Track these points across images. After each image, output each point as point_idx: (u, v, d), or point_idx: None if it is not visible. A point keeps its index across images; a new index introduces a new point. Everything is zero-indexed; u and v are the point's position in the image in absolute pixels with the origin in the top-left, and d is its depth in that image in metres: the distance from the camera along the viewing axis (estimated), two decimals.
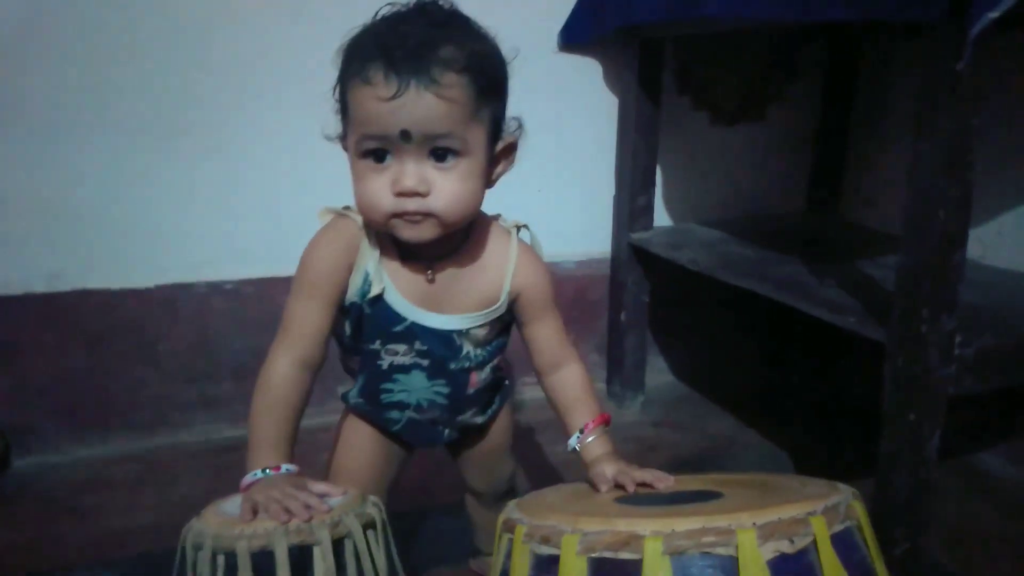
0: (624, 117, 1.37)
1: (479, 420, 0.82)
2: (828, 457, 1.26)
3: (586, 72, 1.40)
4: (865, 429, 0.98)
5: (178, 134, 1.21)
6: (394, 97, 0.59)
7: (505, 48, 0.68)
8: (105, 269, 1.22)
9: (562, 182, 1.42)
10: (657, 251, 1.32)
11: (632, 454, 1.23)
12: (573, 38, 1.35)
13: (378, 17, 0.65)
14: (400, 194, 0.63)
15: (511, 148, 0.70)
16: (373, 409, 0.77)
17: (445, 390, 0.75)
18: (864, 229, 1.43)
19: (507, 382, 0.85)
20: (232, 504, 0.62)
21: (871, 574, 0.56)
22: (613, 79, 1.40)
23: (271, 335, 0.69)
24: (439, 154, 0.63)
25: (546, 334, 0.76)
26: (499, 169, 0.70)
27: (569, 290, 1.46)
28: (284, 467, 0.63)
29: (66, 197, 1.18)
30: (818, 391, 1.53)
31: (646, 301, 1.43)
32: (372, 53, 0.61)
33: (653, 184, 1.39)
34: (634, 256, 1.39)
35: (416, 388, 0.74)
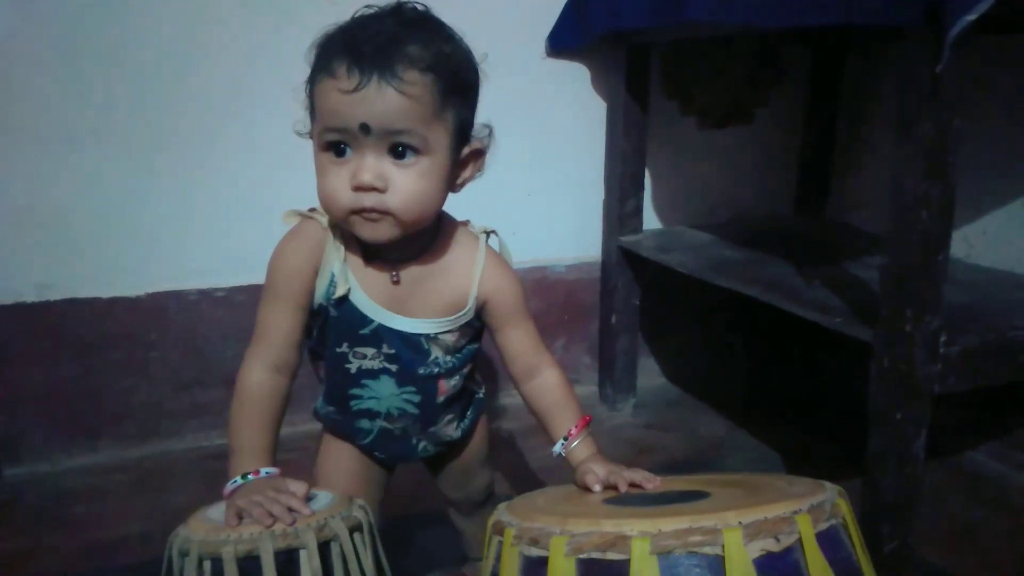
0: (612, 122, 1.38)
1: (455, 435, 0.81)
2: (818, 457, 1.26)
3: (574, 77, 1.41)
4: (854, 429, 0.98)
5: (169, 143, 1.21)
6: (355, 90, 0.60)
7: (479, 53, 0.68)
8: (96, 278, 1.22)
9: (552, 186, 1.43)
10: (647, 254, 1.33)
11: (624, 456, 1.24)
12: (561, 44, 1.36)
13: (354, 18, 0.65)
14: (358, 188, 0.63)
15: (478, 154, 0.70)
16: (344, 419, 0.76)
17: (415, 398, 0.75)
18: (851, 230, 1.44)
19: (480, 395, 0.84)
20: (217, 511, 0.62)
21: (857, 572, 0.56)
22: (601, 84, 1.41)
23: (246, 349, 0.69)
24: (398, 151, 0.63)
25: (518, 340, 0.76)
26: (465, 174, 0.70)
27: (560, 293, 1.47)
28: (264, 471, 0.63)
29: (56, 206, 1.18)
30: (807, 391, 1.54)
31: (636, 304, 1.43)
32: (338, 48, 0.62)
33: (642, 188, 1.40)
34: (624, 259, 1.40)
35: (385, 395, 0.74)
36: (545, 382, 0.76)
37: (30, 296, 1.19)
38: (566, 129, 1.42)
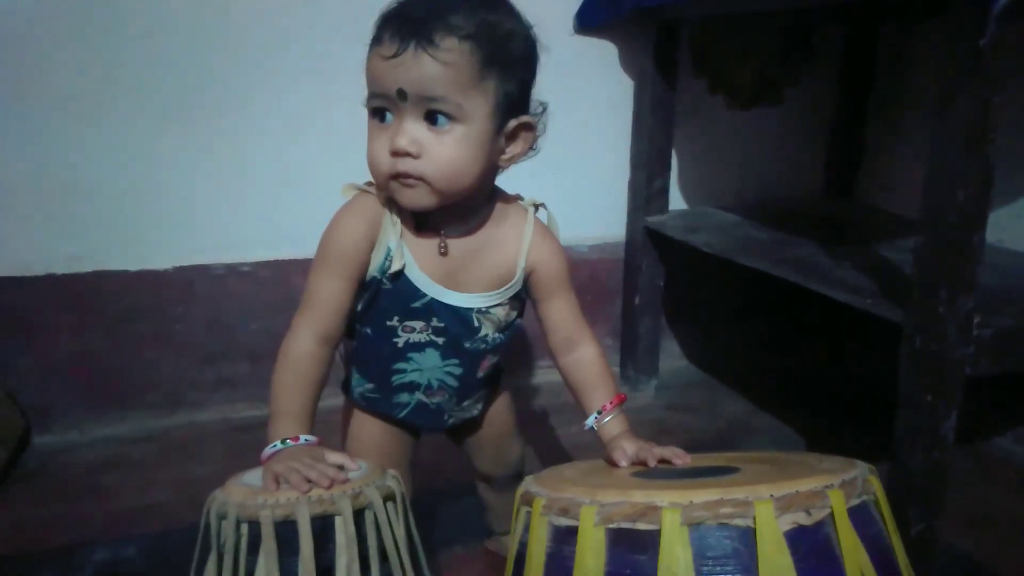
0: (640, 100, 1.36)
1: (476, 412, 0.83)
2: (842, 440, 1.26)
3: (602, 55, 1.39)
4: (879, 413, 0.98)
5: (197, 118, 1.22)
6: (394, 56, 0.62)
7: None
8: (124, 251, 1.23)
9: (577, 165, 1.42)
10: (672, 234, 1.32)
11: (646, 437, 1.23)
12: (589, 21, 1.34)
13: None
14: (394, 153, 0.64)
15: (527, 127, 0.69)
16: (382, 395, 0.77)
17: (457, 371, 0.76)
18: (882, 212, 1.42)
19: (502, 367, 0.85)
20: (254, 476, 0.63)
21: (887, 548, 0.56)
22: (629, 62, 1.40)
23: (287, 317, 0.70)
24: (434, 117, 0.63)
25: (560, 312, 0.77)
26: (514, 149, 0.70)
27: (583, 274, 1.46)
28: (303, 438, 0.64)
29: (86, 180, 1.20)
30: (832, 375, 1.53)
31: (660, 285, 1.43)
32: (387, 18, 0.64)
33: (668, 167, 1.38)
34: (649, 240, 1.39)
35: (428, 367, 0.75)
36: (584, 356, 0.77)
37: (60, 268, 1.21)
38: (593, 107, 1.40)
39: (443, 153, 0.64)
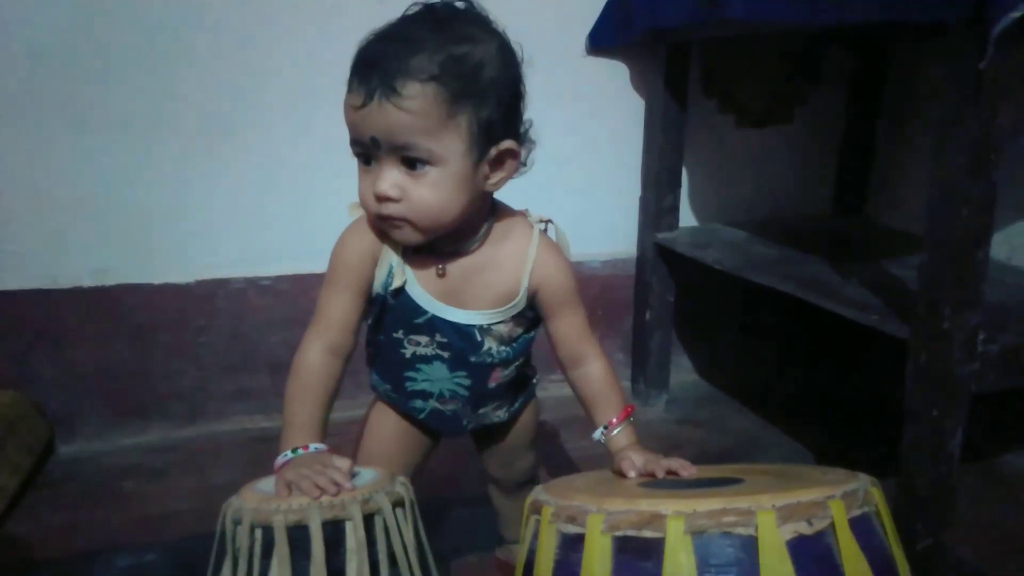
0: (651, 119, 1.39)
1: (501, 417, 0.84)
2: (850, 456, 1.26)
3: (614, 75, 1.42)
4: (887, 429, 0.98)
5: (220, 137, 1.25)
6: (361, 107, 0.63)
7: (516, 46, 0.68)
8: (148, 264, 1.26)
9: (589, 182, 1.45)
10: (682, 251, 1.33)
11: (656, 451, 1.24)
12: (601, 42, 1.37)
13: (399, 16, 0.67)
14: (377, 198, 0.66)
15: (511, 155, 0.68)
16: (399, 396, 0.80)
17: (466, 382, 0.77)
18: (890, 230, 1.43)
19: (534, 380, 0.87)
20: (267, 483, 0.65)
21: (889, 559, 0.57)
22: (640, 82, 1.42)
23: (306, 330, 0.72)
24: (409, 162, 0.64)
25: (566, 329, 0.77)
26: (500, 174, 0.69)
27: (594, 289, 1.48)
28: (313, 446, 0.66)
29: (112, 196, 1.23)
30: (841, 391, 1.53)
31: (671, 300, 1.44)
32: (356, 63, 0.65)
33: (679, 185, 1.40)
34: (659, 256, 1.41)
35: (438, 378, 0.76)
36: (591, 371, 0.77)
37: (86, 280, 1.24)
38: (604, 126, 1.43)
39: (422, 196, 0.65)
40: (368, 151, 0.65)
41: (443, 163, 0.64)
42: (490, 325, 0.74)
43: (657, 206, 1.39)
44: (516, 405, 0.85)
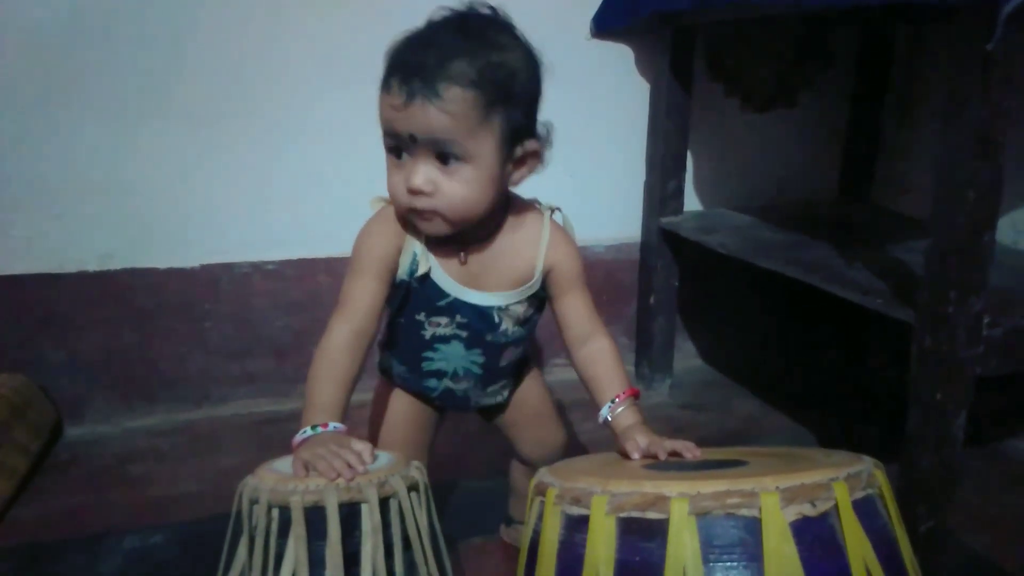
0: (656, 103, 1.38)
1: (504, 397, 0.88)
2: (853, 440, 1.26)
3: (619, 59, 1.41)
4: (890, 413, 0.99)
5: (225, 121, 1.25)
6: (403, 106, 0.66)
7: (529, 31, 0.71)
8: (154, 249, 1.27)
9: (593, 167, 1.44)
10: (687, 235, 1.33)
11: (660, 435, 1.25)
12: (606, 25, 1.36)
13: (425, 23, 0.70)
14: (409, 191, 0.69)
15: (533, 155, 0.74)
16: (413, 377, 0.83)
17: (480, 360, 0.80)
18: (896, 215, 1.43)
19: (527, 357, 0.89)
20: (283, 463, 0.65)
21: (892, 541, 0.57)
22: (645, 66, 1.42)
23: (310, 314, 0.73)
24: (444, 158, 0.68)
25: (576, 307, 0.80)
26: (522, 172, 0.74)
27: (599, 274, 1.48)
28: (332, 425, 0.67)
29: (117, 181, 1.23)
30: (845, 376, 1.53)
31: (675, 285, 1.44)
32: (395, 64, 0.67)
33: (684, 169, 1.40)
34: (664, 240, 1.40)
35: (454, 357, 0.80)
36: (598, 350, 0.80)
37: (92, 265, 1.25)
38: (609, 110, 1.42)
39: (455, 190, 0.69)
40: (402, 145, 0.69)
41: (475, 161, 0.68)
42: (508, 306, 0.78)
43: (662, 190, 1.39)
44: (516, 385, 0.89)
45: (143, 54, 1.20)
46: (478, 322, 0.78)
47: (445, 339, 0.79)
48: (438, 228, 0.71)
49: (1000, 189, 0.78)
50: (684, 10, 1.21)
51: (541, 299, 0.82)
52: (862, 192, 1.55)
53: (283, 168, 1.29)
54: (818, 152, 1.57)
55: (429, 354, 0.80)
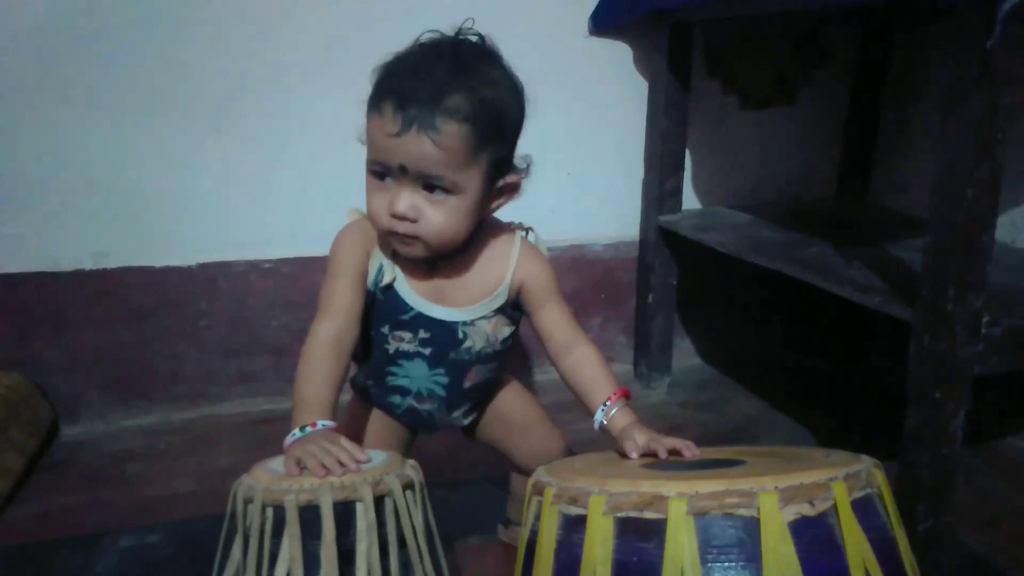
0: (654, 101, 1.38)
1: (466, 422, 0.87)
2: (852, 439, 1.26)
3: (616, 56, 1.41)
4: (889, 412, 0.98)
5: (222, 119, 1.25)
6: (396, 135, 0.66)
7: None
8: (150, 248, 1.26)
9: (591, 165, 1.44)
10: (685, 233, 1.33)
11: (658, 433, 1.25)
12: (604, 22, 1.36)
13: (415, 44, 0.70)
14: (393, 216, 0.70)
15: (513, 188, 0.76)
16: (379, 392, 0.83)
17: (444, 380, 0.80)
18: (895, 213, 1.42)
19: (499, 378, 0.89)
20: (277, 463, 0.65)
21: (891, 541, 0.57)
22: (643, 63, 1.41)
23: (307, 313, 0.74)
24: (430, 187, 0.69)
25: (553, 319, 0.80)
26: (500, 201, 0.76)
27: (597, 272, 1.48)
28: (320, 423, 0.67)
29: (113, 178, 1.23)
30: (844, 374, 1.53)
31: (674, 284, 1.44)
32: (390, 88, 0.67)
33: (682, 167, 1.40)
34: (662, 239, 1.40)
35: (416, 376, 0.80)
36: (582, 357, 0.79)
37: (88, 264, 1.24)
38: (607, 107, 1.42)
39: (439, 219, 0.70)
40: (388, 172, 0.69)
41: (461, 193, 0.70)
42: (473, 320, 0.78)
43: (660, 189, 1.39)
44: (476, 413, 0.88)
45: (140, 52, 1.19)
46: (441, 338, 0.77)
47: (408, 356, 0.79)
48: (417, 252, 0.72)
49: (999, 187, 0.77)
50: (681, 7, 1.20)
51: (512, 317, 0.81)
52: (861, 190, 1.55)
53: (280, 167, 1.29)
54: (817, 150, 1.57)
55: (393, 369, 0.80)
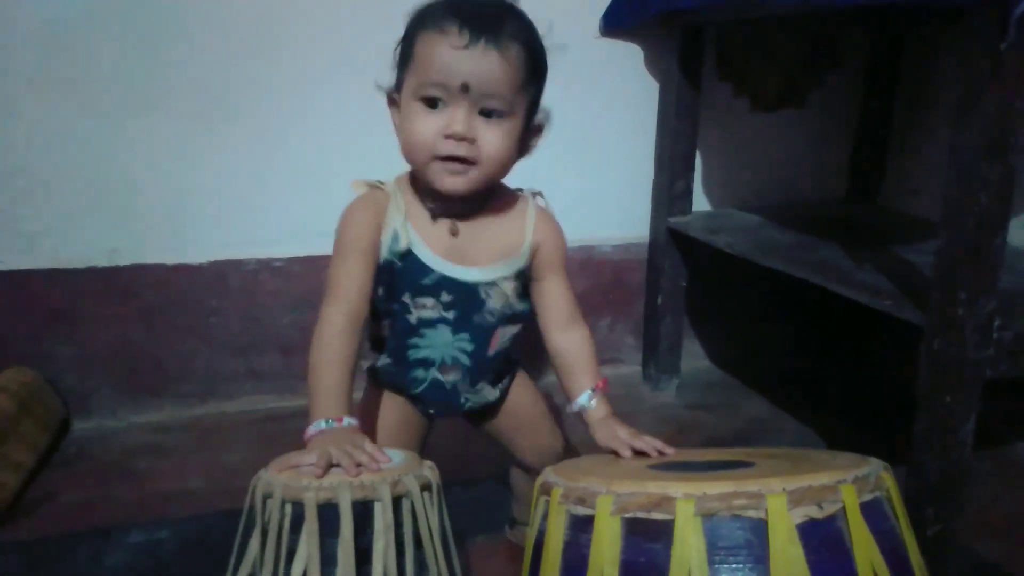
0: (665, 102, 1.38)
1: (495, 395, 0.85)
2: (861, 442, 1.25)
3: (627, 57, 1.41)
4: (899, 416, 0.98)
5: (233, 118, 1.25)
6: (465, 47, 0.66)
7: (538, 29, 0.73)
8: (161, 245, 1.27)
9: (601, 166, 1.44)
10: (695, 235, 1.33)
11: (666, 436, 1.24)
12: (615, 23, 1.36)
13: None
14: (449, 136, 0.68)
15: (540, 129, 0.77)
16: (399, 369, 0.80)
17: (468, 347, 0.79)
18: (905, 216, 1.42)
19: (516, 359, 0.88)
20: (298, 456, 0.65)
21: (899, 544, 0.57)
22: (654, 65, 1.41)
23: (317, 311, 0.73)
24: (487, 112, 0.69)
25: (558, 291, 0.81)
26: (531, 143, 0.77)
27: (607, 273, 1.48)
28: (346, 420, 0.67)
29: (126, 177, 1.24)
30: (854, 377, 1.52)
31: (683, 285, 1.44)
32: (449, 11, 0.67)
33: (692, 169, 1.39)
34: (672, 240, 1.40)
35: (440, 343, 0.78)
36: (578, 338, 0.81)
37: (100, 261, 1.25)
38: (618, 109, 1.42)
39: (495, 142, 0.70)
40: (444, 95, 0.68)
41: (514, 117, 0.71)
42: (495, 280, 0.77)
43: (670, 190, 1.38)
44: (504, 382, 0.87)
45: (151, 52, 1.20)
46: (464, 299, 0.76)
47: (431, 323, 0.77)
48: (465, 183, 0.71)
49: (1011, 191, 0.77)
50: (693, 8, 1.20)
51: (526, 283, 0.81)
52: (871, 193, 1.54)
53: (291, 164, 1.30)
54: (827, 152, 1.57)
55: (415, 340, 0.78)
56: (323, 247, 1.29)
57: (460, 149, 0.69)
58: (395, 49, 0.73)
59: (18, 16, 1.14)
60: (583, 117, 1.40)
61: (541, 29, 0.72)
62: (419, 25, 0.69)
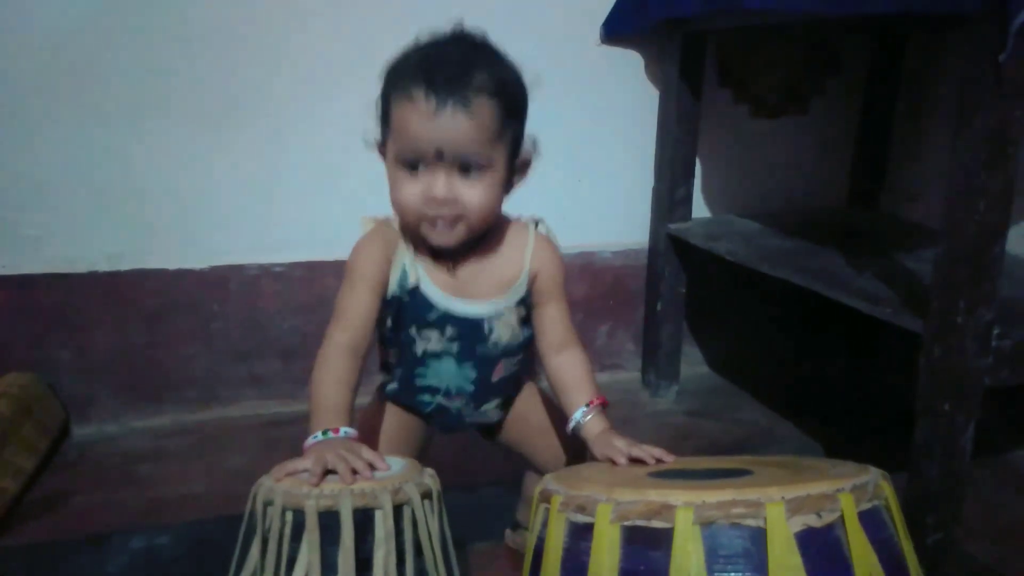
0: (665, 109, 1.38)
1: (496, 418, 0.88)
2: (861, 450, 1.26)
3: (628, 64, 1.41)
4: (898, 423, 0.98)
5: (234, 124, 1.26)
6: (435, 113, 0.68)
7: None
8: (163, 250, 1.27)
9: (602, 172, 1.44)
10: (695, 242, 1.33)
11: (666, 442, 1.24)
12: (616, 30, 1.36)
13: (418, 42, 0.72)
14: (432, 201, 0.71)
15: (526, 164, 0.78)
16: (407, 395, 0.83)
17: (472, 375, 0.81)
18: (906, 223, 1.42)
19: (523, 378, 0.90)
20: (297, 464, 0.65)
21: (898, 553, 0.57)
22: (655, 71, 1.41)
23: (318, 316, 0.75)
24: (465, 168, 0.71)
25: (556, 314, 0.82)
26: (519, 180, 0.78)
27: (606, 280, 1.48)
28: (343, 430, 0.67)
29: (127, 182, 1.24)
30: (853, 385, 1.52)
31: (683, 292, 1.44)
32: (416, 74, 0.68)
33: (692, 175, 1.40)
34: (672, 247, 1.40)
35: (446, 374, 0.81)
36: (572, 358, 0.82)
37: (102, 266, 1.25)
38: (618, 115, 1.42)
39: (477, 197, 0.72)
40: (423, 160, 0.70)
41: (494, 169, 0.72)
42: (498, 312, 0.79)
43: (670, 197, 1.39)
44: (508, 405, 0.89)
45: (153, 57, 1.20)
46: (468, 334, 0.79)
47: (436, 355, 0.80)
48: (457, 236, 0.73)
49: (1011, 199, 0.77)
50: (693, 16, 1.21)
51: (527, 311, 0.82)
52: (872, 200, 1.55)
53: (292, 170, 1.30)
54: (828, 159, 1.57)
55: (421, 370, 0.81)
56: (325, 253, 1.32)
57: (444, 210, 0.71)
58: (376, 104, 0.75)
59: (23, 22, 1.14)
60: (584, 123, 1.40)
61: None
62: (391, 86, 0.71)
